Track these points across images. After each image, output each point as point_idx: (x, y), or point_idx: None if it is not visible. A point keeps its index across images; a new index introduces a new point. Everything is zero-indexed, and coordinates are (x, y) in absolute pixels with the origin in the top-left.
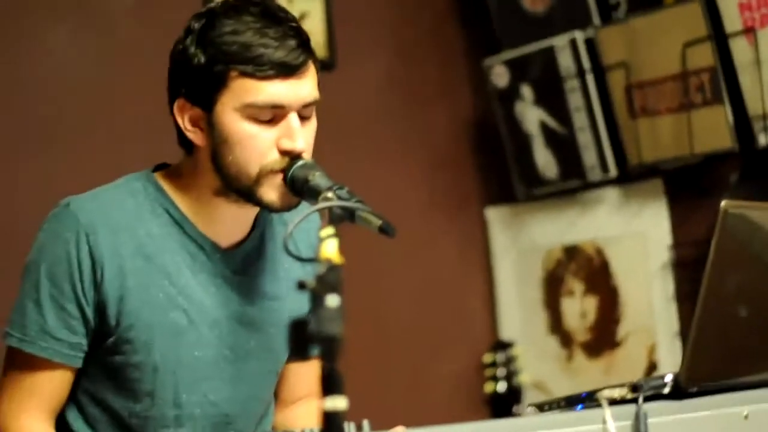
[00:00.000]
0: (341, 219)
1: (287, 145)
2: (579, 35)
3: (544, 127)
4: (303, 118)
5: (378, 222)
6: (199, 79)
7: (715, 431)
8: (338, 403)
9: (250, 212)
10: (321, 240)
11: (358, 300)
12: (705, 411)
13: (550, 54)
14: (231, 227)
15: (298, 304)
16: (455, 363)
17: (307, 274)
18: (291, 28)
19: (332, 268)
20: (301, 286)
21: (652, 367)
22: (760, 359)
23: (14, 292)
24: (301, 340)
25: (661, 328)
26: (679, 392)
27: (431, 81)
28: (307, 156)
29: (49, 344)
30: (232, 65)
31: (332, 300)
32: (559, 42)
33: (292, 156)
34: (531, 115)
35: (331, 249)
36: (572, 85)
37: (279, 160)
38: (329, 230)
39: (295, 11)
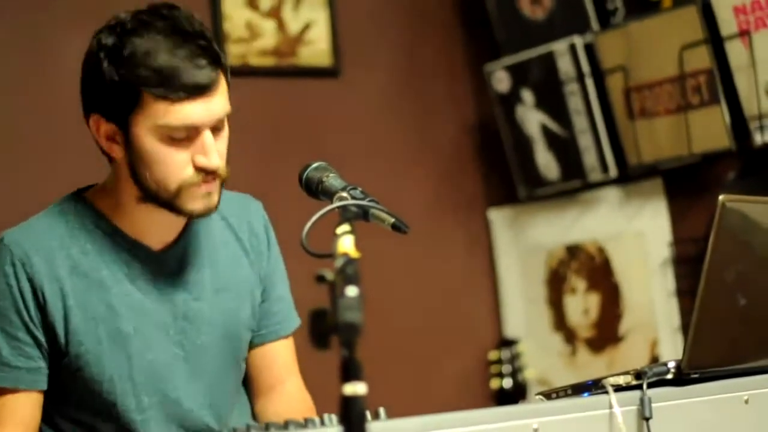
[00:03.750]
0: (356, 217)
1: (202, 162)
2: (578, 40)
3: (545, 130)
4: (216, 129)
5: (391, 219)
6: (113, 97)
7: (717, 415)
8: (358, 388)
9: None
10: (337, 236)
11: (365, 299)
12: (707, 396)
13: (550, 59)
14: (162, 229)
15: (244, 293)
16: (462, 360)
17: (248, 264)
18: (200, 46)
19: (350, 261)
20: (320, 278)
21: (654, 361)
22: (759, 346)
23: None
24: (321, 329)
25: (662, 323)
26: (681, 378)
27: (434, 87)
28: (223, 165)
29: (7, 374)
30: (145, 88)
31: (351, 290)
32: (559, 47)
33: (207, 172)
34: (532, 119)
35: (347, 244)
36: (572, 88)
37: (195, 175)
38: (345, 227)
39: (300, 20)
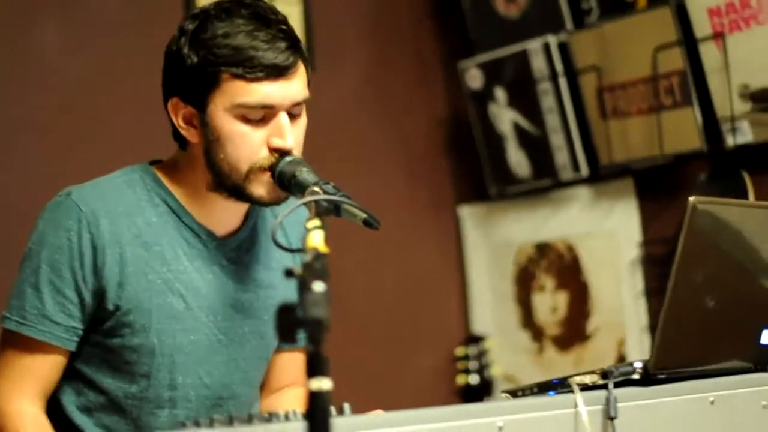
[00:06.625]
0: (327, 212)
1: (277, 143)
2: (552, 39)
3: (518, 128)
4: (293, 116)
5: (363, 215)
6: (192, 79)
7: (683, 416)
8: (323, 384)
9: (243, 205)
10: (308, 231)
11: (333, 294)
12: (673, 396)
13: (523, 57)
14: (225, 218)
15: (291, 293)
16: (429, 356)
17: (298, 263)
18: (281, 30)
19: (318, 256)
20: (289, 273)
21: (621, 360)
22: (726, 348)
23: (11, 278)
24: (288, 324)
25: (630, 323)
26: (648, 378)
27: (407, 83)
28: (297, 153)
29: (46, 328)
30: (224, 67)
31: (318, 285)
32: (533, 46)
33: (282, 153)
34: (504, 117)
35: (317, 239)
36: (545, 87)
37: (268, 157)
38: (316, 222)
39: None
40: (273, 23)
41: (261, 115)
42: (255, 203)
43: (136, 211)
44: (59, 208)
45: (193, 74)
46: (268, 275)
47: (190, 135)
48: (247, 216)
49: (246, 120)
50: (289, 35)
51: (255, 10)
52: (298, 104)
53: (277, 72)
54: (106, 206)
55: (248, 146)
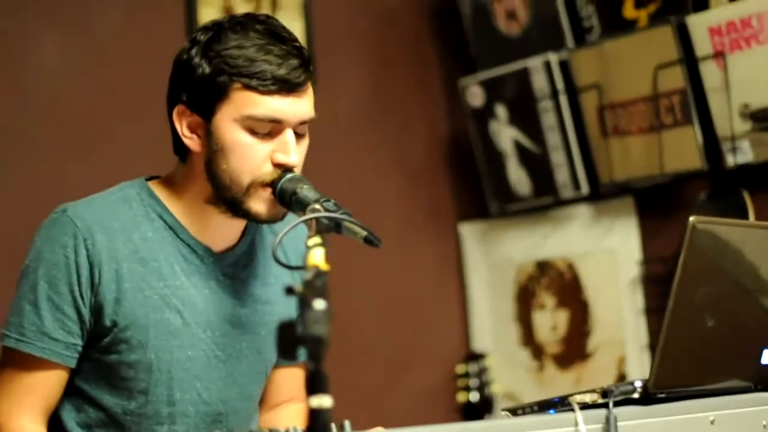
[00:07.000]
0: (328, 229)
1: (281, 158)
2: (553, 57)
3: (518, 146)
4: (298, 135)
5: (363, 233)
6: (201, 88)
7: None
8: (324, 401)
9: (240, 220)
10: (308, 248)
11: (334, 312)
12: (673, 416)
13: (524, 75)
14: (222, 233)
15: (288, 309)
16: (429, 373)
17: (296, 280)
18: (294, 47)
19: (319, 274)
20: (290, 291)
21: (621, 378)
22: (726, 367)
23: (9, 295)
24: (289, 341)
25: (630, 341)
26: (648, 397)
27: (408, 99)
28: (298, 171)
29: (46, 344)
30: (236, 77)
31: (319, 303)
32: (534, 63)
33: (284, 169)
34: (505, 134)
35: (318, 257)
36: (546, 105)
37: (271, 172)
38: (316, 239)
39: None
40: (287, 40)
41: (268, 129)
42: (251, 220)
43: (132, 227)
44: (55, 224)
45: (203, 82)
46: (266, 291)
47: (194, 144)
48: (245, 231)
49: (252, 132)
50: (301, 53)
51: (268, 27)
52: (303, 123)
53: (289, 87)
54: (101, 222)
55: (252, 159)
